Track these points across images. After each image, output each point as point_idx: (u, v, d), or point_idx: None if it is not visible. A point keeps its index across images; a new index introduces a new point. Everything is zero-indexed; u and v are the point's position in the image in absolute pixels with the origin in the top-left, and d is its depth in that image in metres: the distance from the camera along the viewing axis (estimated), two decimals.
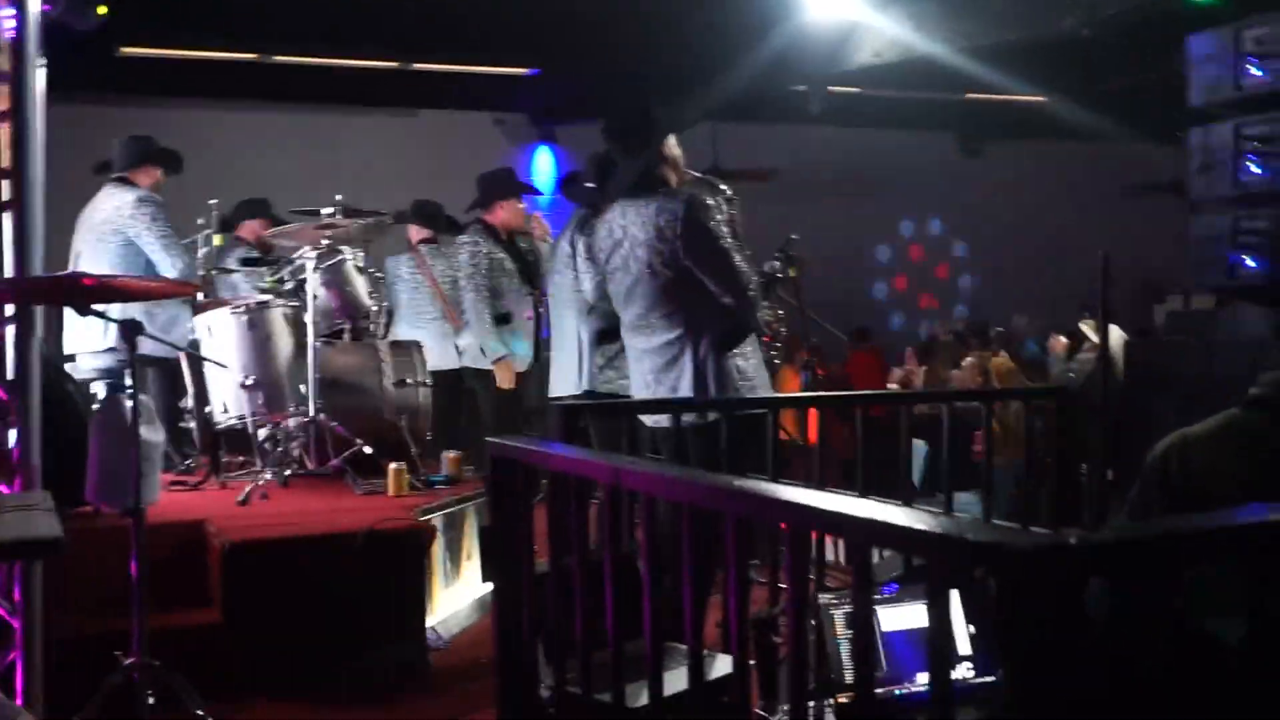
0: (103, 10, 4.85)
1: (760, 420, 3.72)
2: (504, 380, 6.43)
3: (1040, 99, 9.75)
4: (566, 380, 5.33)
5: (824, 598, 3.02)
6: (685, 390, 4.07)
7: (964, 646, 3.08)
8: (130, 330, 3.36)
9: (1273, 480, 1.67)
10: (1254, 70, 3.66)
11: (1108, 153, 10.52)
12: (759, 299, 4.20)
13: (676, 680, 2.34)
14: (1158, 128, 8.78)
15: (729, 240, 4.11)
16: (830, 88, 8.99)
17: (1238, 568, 1.35)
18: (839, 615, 2.98)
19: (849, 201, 11.40)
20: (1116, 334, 5.79)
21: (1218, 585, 1.59)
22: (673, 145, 4.33)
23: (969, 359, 7.35)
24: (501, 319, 6.43)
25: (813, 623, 3.11)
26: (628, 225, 4.22)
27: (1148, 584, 1.31)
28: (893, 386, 6.44)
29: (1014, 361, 7.52)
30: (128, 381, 3.54)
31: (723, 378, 4.08)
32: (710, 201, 4.14)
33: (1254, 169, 3.69)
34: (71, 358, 5.69)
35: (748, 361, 4.19)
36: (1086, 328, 6.80)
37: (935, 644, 1.45)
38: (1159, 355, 4.31)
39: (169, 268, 5.87)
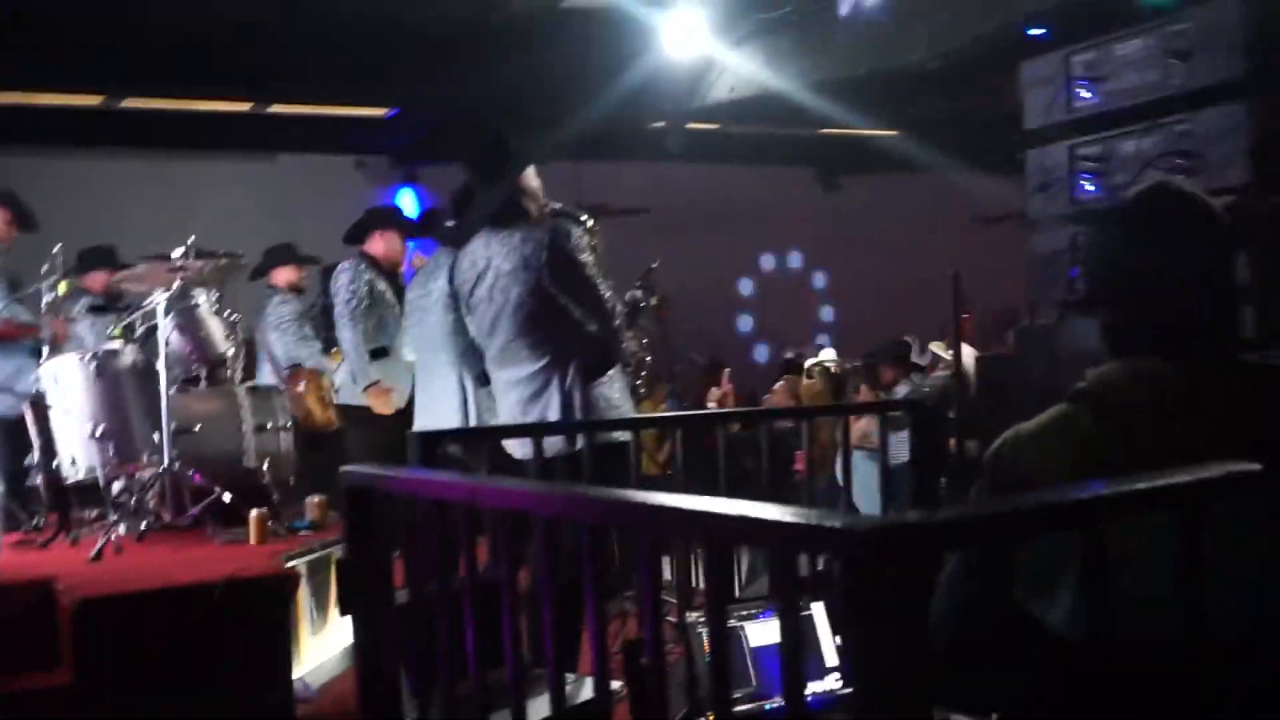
0: None
1: (624, 448, 3.73)
2: (380, 406, 6.20)
3: (892, 133, 10.05)
4: (441, 422, 5.23)
5: (691, 617, 3.03)
6: (553, 419, 4.06)
7: (831, 658, 3.12)
8: None
9: (1094, 468, 1.72)
10: (1084, 93, 3.83)
11: (960, 185, 10.87)
12: (623, 327, 4.23)
13: (541, 707, 2.31)
14: (1004, 159, 9.12)
15: (593, 269, 4.13)
16: (689, 124, 9.11)
17: (1072, 542, 1.39)
18: (706, 634, 2.98)
19: (711, 237, 11.56)
20: (968, 352, 5.97)
21: (1039, 568, 1.64)
22: (531, 176, 4.34)
23: (779, 383, 7.67)
24: (378, 352, 6.25)
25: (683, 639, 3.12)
26: (491, 256, 4.21)
27: (984, 563, 1.34)
28: (711, 405, 6.60)
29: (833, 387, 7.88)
30: None
31: (590, 405, 4.09)
32: (572, 231, 4.16)
33: (1088, 187, 3.85)
34: None
35: (615, 390, 4.20)
36: (938, 348, 7.02)
37: (785, 639, 1.46)
38: (1007, 370, 4.44)
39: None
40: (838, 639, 3.09)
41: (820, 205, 12.23)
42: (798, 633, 1.49)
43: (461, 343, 5.11)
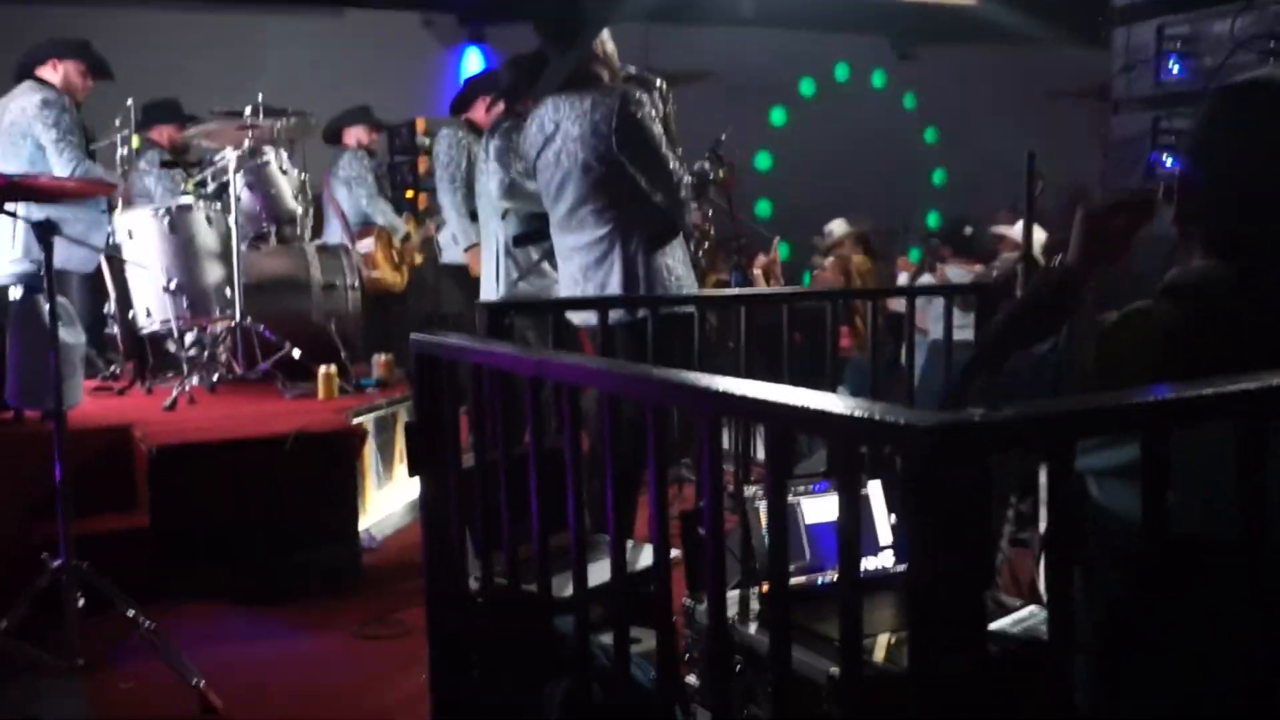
0: None
1: (687, 319, 3.74)
2: (476, 267, 6.28)
3: (970, 2, 9.74)
4: (489, 287, 5.31)
5: (749, 490, 3.08)
6: (614, 287, 4.08)
7: (885, 535, 3.18)
8: (45, 231, 3.28)
9: (1180, 365, 1.72)
10: None
11: (1039, 56, 10.54)
12: (689, 199, 4.20)
13: (601, 571, 2.38)
14: (1086, 32, 8.81)
15: (662, 138, 4.09)
16: None
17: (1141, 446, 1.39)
18: (764, 508, 3.03)
19: (780, 103, 11.36)
20: (1039, 234, 5.87)
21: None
22: (606, 40, 4.28)
23: (829, 259, 7.57)
24: (473, 215, 6.29)
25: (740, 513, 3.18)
26: (560, 120, 4.18)
27: (1051, 462, 1.36)
28: (756, 273, 6.58)
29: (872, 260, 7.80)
30: (45, 281, 3.48)
31: (652, 275, 4.10)
32: (644, 98, 4.11)
33: (1174, 68, 3.72)
34: None
35: (677, 261, 4.20)
36: (1003, 229, 6.91)
37: (843, 523, 1.49)
38: None
39: (61, 170, 5.69)
40: (893, 516, 3.14)
41: (894, 75, 11.94)
42: (858, 521, 1.53)
43: (503, 205, 5.14)
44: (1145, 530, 1.41)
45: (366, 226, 7.33)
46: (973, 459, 1.29)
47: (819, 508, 3.09)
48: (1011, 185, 5.92)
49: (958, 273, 6.75)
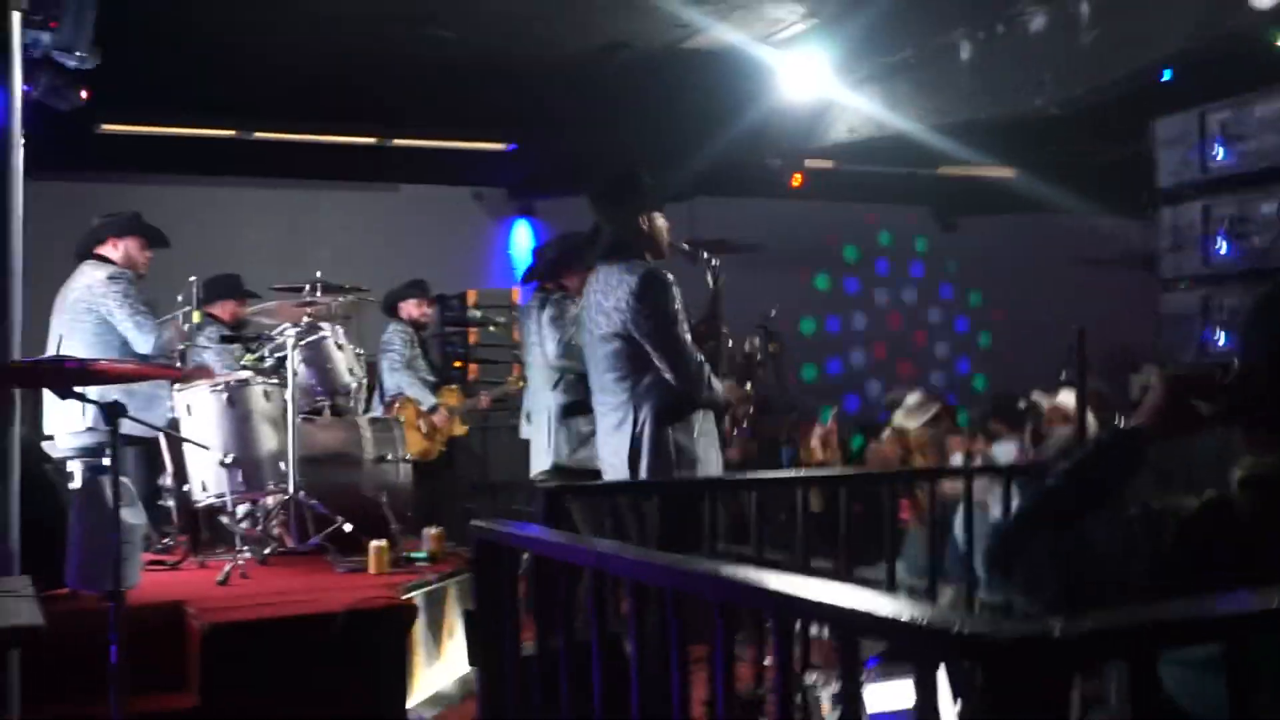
0: (84, 94, 4.91)
1: (696, 503, 3.79)
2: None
3: (1010, 175, 9.92)
4: (540, 456, 5.34)
5: (809, 678, 3.03)
6: (622, 456, 4.19)
7: (950, 718, 3.10)
8: (112, 413, 3.36)
9: (1264, 559, 1.70)
10: (1219, 153, 3.76)
11: (1077, 225, 10.68)
12: (702, 377, 4.23)
13: None
14: (1126, 202, 8.94)
15: (680, 318, 4.20)
16: (806, 162, 9.12)
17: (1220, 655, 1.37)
18: (825, 696, 2.98)
19: (824, 273, 11.52)
20: (1090, 418, 5.81)
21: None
22: (657, 218, 4.42)
23: (886, 432, 7.48)
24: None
25: (799, 701, 3.12)
26: (597, 289, 4.35)
27: (1135, 673, 1.34)
28: (814, 444, 6.55)
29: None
30: (107, 462, 3.54)
31: (658, 450, 4.16)
32: (669, 278, 4.25)
33: (1222, 248, 3.77)
34: (50, 436, 5.66)
35: (692, 438, 4.24)
36: (1041, 397, 6.82)
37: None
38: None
39: (142, 345, 5.84)
40: (959, 702, 3.06)
41: (936, 243, 12.11)
42: None
43: (552, 376, 5.23)
44: None
45: (396, 398, 7.43)
46: (1053, 676, 1.27)
47: (880, 695, 3.03)
48: (1056, 350, 5.95)
49: (1004, 449, 6.70)
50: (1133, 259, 9.72)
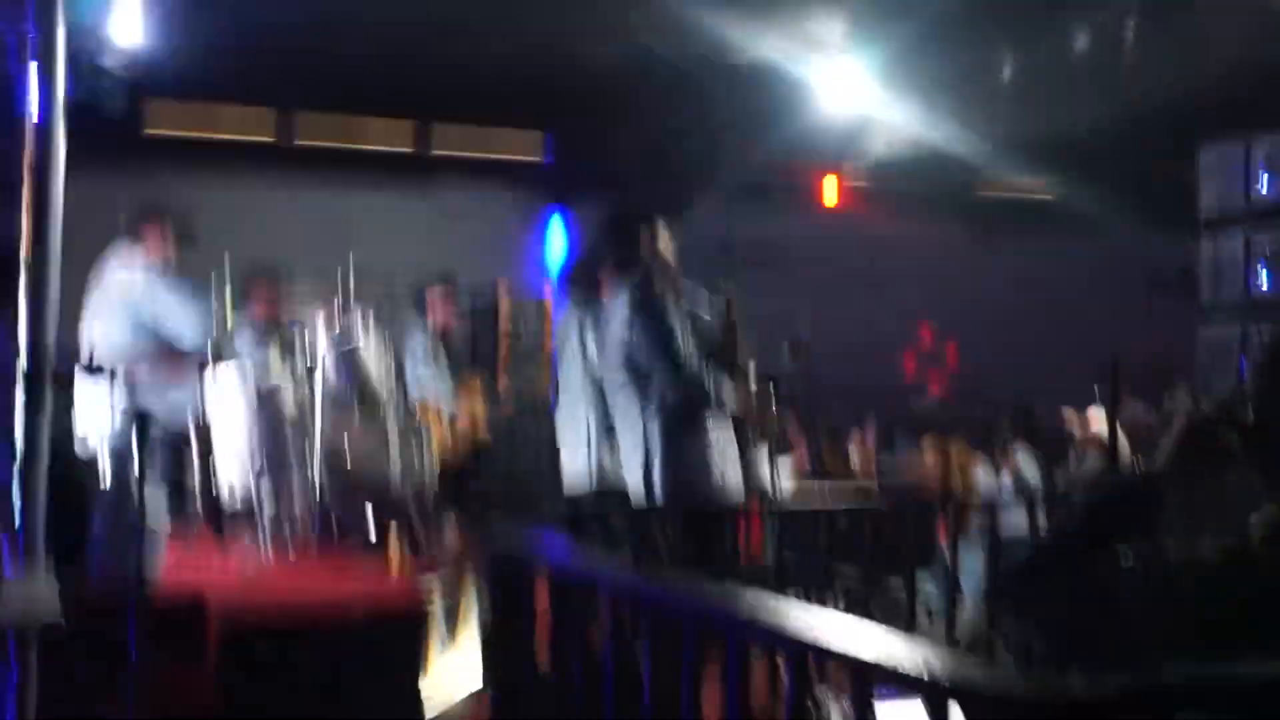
0: (128, 97, 4.93)
1: (716, 522, 3.80)
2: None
3: (1052, 193, 9.84)
4: (577, 474, 5.28)
5: (822, 691, 2.99)
6: (635, 475, 4.23)
7: None
8: (141, 422, 3.36)
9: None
10: (1264, 183, 3.69)
11: (1116, 245, 10.56)
12: (704, 381, 4.24)
13: None
14: (1165, 223, 8.85)
15: (674, 330, 4.24)
16: (843, 176, 9.10)
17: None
18: (835, 712, 2.95)
19: (862, 288, 11.45)
20: (1122, 439, 5.75)
21: None
22: (661, 240, 4.46)
23: (927, 443, 7.41)
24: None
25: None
26: (605, 309, 4.47)
27: None
28: (851, 454, 6.49)
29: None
30: (135, 461, 3.55)
31: (670, 465, 4.17)
32: (658, 290, 4.28)
33: (1264, 281, 3.71)
34: (80, 436, 5.67)
35: (706, 450, 4.24)
36: (1070, 415, 6.76)
37: None
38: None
39: (186, 340, 5.82)
40: None
41: (975, 260, 12.01)
42: None
43: (592, 394, 5.20)
44: None
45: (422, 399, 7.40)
46: None
47: (891, 716, 2.99)
48: (1090, 369, 5.89)
49: (1025, 457, 6.63)
50: (1170, 283, 9.62)
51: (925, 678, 1.31)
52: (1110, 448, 4.10)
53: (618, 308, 4.33)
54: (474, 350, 8.92)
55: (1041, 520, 4.11)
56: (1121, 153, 7.86)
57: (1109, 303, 10.40)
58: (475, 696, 5.09)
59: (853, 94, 7.63)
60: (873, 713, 2.84)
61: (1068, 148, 7.60)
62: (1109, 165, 8.59)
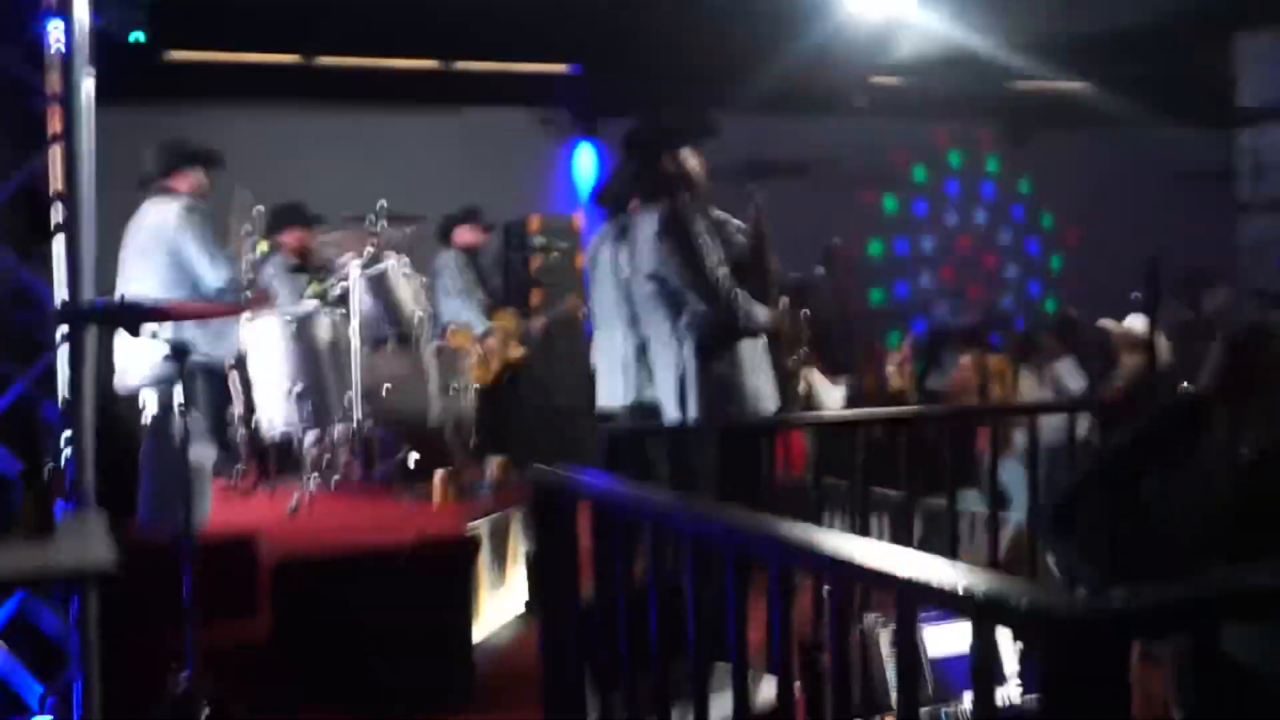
0: (148, 24, 4.90)
1: (753, 439, 3.80)
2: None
3: (1084, 89, 9.63)
4: (613, 393, 5.29)
5: (869, 619, 3.02)
6: (668, 394, 4.23)
7: (1010, 663, 3.08)
8: (179, 352, 3.39)
9: None
10: None
11: (1154, 140, 10.35)
12: (736, 306, 4.21)
13: (722, 703, 2.34)
14: (1204, 116, 8.65)
15: (706, 250, 4.21)
16: (872, 79, 8.95)
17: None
18: (884, 635, 2.97)
19: (894, 194, 11.33)
20: (1162, 342, 5.67)
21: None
22: (687, 156, 4.40)
23: (964, 357, 7.33)
24: None
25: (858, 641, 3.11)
26: (636, 230, 4.41)
27: (1198, 645, 1.31)
28: (890, 369, 6.43)
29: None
30: (178, 398, 3.58)
31: (704, 386, 4.17)
32: (687, 212, 4.27)
33: None
34: (119, 371, 5.72)
35: (738, 371, 4.23)
36: (1109, 323, 6.64)
37: (980, 687, 1.45)
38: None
39: (214, 280, 5.84)
40: (1019, 644, 3.04)
41: (1007, 162, 11.84)
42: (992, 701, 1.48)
43: (626, 313, 5.17)
44: None
45: (449, 324, 7.42)
46: (1114, 650, 1.24)
47: (939, 636, 3.01)
48: (1130, 272, 5.79)
49: (1069, 367, 6.55)
50: (1210, 174, 9.43)
51: (968, 598, 1.31)
52: (1150, 355, 4.05)
53: (647, 226, 4.29)
54: (506, 271, 8.93)
55: (1083, 433, 4.09)
56: (1160, 44, 7.65)
57: (1152, 201, 10.23)
58: (524, 611, 5.17)
59: None
60: (919, 636, 2.88)
61: (1102, 42, 7.41)
62: (1146, 57, 8.38)
